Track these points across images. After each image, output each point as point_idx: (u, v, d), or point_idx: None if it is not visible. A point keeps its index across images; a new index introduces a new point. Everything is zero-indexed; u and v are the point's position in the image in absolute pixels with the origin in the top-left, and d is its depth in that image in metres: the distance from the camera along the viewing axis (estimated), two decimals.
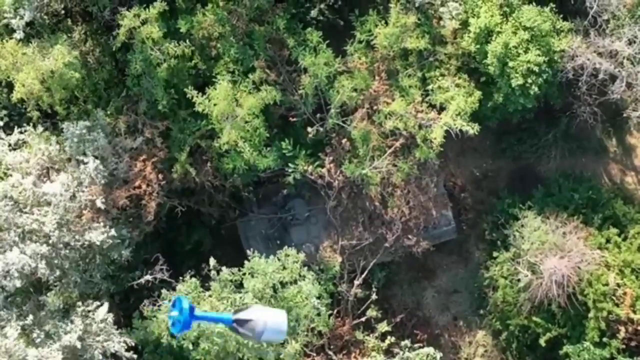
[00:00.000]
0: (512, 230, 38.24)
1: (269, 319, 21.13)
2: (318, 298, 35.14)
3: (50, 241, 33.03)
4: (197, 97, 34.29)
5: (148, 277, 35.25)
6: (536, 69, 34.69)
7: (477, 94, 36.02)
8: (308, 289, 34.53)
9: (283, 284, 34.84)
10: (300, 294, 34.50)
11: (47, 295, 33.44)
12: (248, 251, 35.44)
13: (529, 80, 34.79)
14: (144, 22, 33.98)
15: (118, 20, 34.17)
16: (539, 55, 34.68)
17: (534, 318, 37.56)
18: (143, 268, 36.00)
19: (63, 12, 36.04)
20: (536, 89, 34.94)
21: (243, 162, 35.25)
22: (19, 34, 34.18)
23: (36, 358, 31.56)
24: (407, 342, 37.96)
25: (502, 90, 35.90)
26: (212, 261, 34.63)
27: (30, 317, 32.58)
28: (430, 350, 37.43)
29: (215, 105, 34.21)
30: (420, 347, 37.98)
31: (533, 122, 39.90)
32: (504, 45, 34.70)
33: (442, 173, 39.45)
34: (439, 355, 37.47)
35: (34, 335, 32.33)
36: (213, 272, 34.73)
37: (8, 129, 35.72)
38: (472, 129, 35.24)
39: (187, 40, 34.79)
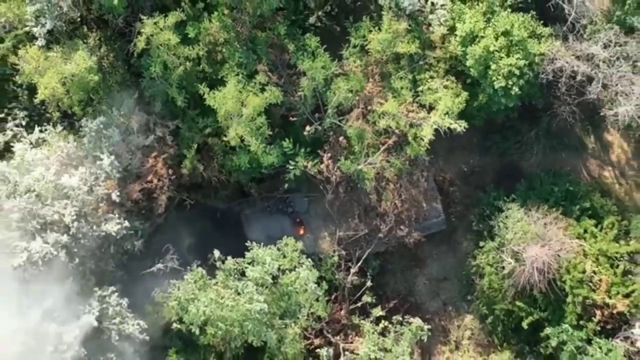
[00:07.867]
0: (497, 222, 39.33)
1: None
2: (316, 284, 36.43)
3: (70, 232, 34.97)
4: (208, 94, 35.79)
5: (160, 265, 36.95)
6: (517, 71, 35.89)
7: (464, 94, 37.31)
8: (306, 275, 35.79)
9: (282, 271, 36.13)
10: (298, 280, 35.80)
11: (66, 281, 35.14)
12: (248, 242, 36.70)
13: (510, 82, 36.01)
14: (161, 29, 35.61)
15: (139, 29, 35.71)
16: (519, 58, 35.85)
17: (518, 303, 38.62)
18: (154, 257, 37.52)
19: (79, 19, 37.62)
20: (517, 89, 36.05)
21: (248, 160, 36.63)
22: (40, 41, 35.90)
23: (56, 332, 33.76)
24: (398, 317, 38.98)
25: (486, 91, 37.16)
26: (217, 253, 36.15)
27: (51, 300, 34.37)
28: (419, 321, 38.50)
29: (223, 103, 35.59)
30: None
31: (516, 121, 40.82)
32: (484, 48, 35.89)
33: (432, 169, 40.59)
34: (427, 327, 38.53)
35: (55, 314, 34.34)
36: (218, 262, 36.28)
37: (29, 128, 37.47)
38: (460, 126, 36.39)
39: (195, 46, 36.08)
